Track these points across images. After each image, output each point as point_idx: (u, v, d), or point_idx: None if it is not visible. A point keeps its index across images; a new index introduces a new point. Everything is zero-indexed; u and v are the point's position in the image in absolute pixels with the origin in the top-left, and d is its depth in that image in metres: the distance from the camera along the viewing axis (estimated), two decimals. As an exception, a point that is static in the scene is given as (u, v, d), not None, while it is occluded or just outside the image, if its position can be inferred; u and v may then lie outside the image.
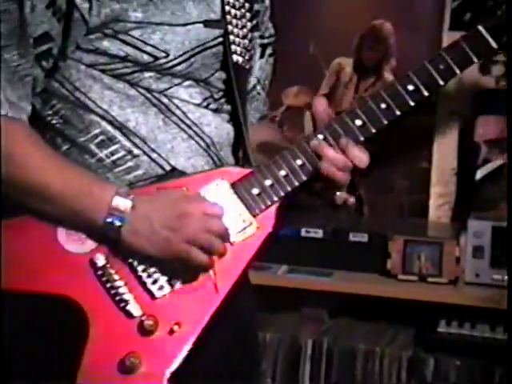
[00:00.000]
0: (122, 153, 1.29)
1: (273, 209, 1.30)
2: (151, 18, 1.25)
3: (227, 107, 1.37)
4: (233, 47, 1.35)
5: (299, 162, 1.30)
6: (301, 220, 2.29)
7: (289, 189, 1.30)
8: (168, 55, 1.27)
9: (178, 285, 1.26)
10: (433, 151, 2.46)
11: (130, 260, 1.25)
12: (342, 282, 2.23)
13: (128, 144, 1.29)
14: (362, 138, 1.31)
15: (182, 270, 1.25)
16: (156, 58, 1.26)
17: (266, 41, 1.49)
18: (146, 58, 1.26)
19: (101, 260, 1.24)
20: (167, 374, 1.23)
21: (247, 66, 1.40)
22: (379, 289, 2.20)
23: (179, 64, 1.28)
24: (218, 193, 1.28)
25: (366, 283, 2.22)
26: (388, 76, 2.51)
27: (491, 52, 1.32)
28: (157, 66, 1.27)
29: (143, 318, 1.24)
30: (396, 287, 2.20)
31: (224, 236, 1.26)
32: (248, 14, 1.39)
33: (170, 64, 1.28)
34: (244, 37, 1.38)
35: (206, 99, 1.34)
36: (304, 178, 1.30)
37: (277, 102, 2.45)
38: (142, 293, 1.24)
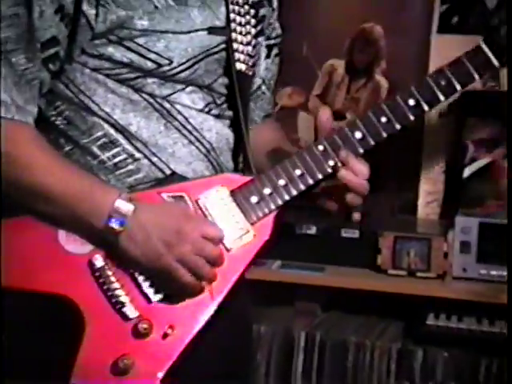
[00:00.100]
0: (124, 156, 1.28)
1: (271, 217, 1.29)
2: (156, 26, 1.25)
3: (229, 113, 1.36)
4: (236, 55, 1.34)
5: (298, 171, 1.29)
6: (294, 217, 2.29)
7: (287, 198, 1.29)
8: (171, 62, 1.26)
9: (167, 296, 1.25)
10: (422, 151, 2.46)
11: (123, 265, 1.24)
12: (333, 277, 2.24)
13: (130, 147, 1.29)
14: (361, 151, 1.30)
15: (168, 284, 1.24)
16: (160, 65, 1.26)
17: (272, 42, 1.47)
18: (149, 64, 1.26)
19: (99, 261, 1.24)
20: (159, 376, 1.22)
21: (250, 73, 1.39)
22: (370, 283, 2.20)
23: (182, 71, 1.28)
24: (218, 199, 1.28)
25: (357, 278, 2.23)
26: (379, 77, 2.52)
27: (492, 70, 1.31)
28: (160, 73, 1.27)
29: (138, 321, 1.23)
30: (386, 282, 2.20)
31: (216, 262, 1.24)
32: (253, 21, 1.38)
33: (174, 71, 1.27)
34: (248, 43, 1.37)
35: (208, 104, 1.33)
36: (302, 187, 1.29)
37: (270, 102, 2.49)
38: (137, 296, 1.24)
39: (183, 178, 1.29)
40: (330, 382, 2.21)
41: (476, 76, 1.30)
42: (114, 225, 1.20)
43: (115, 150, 1.28)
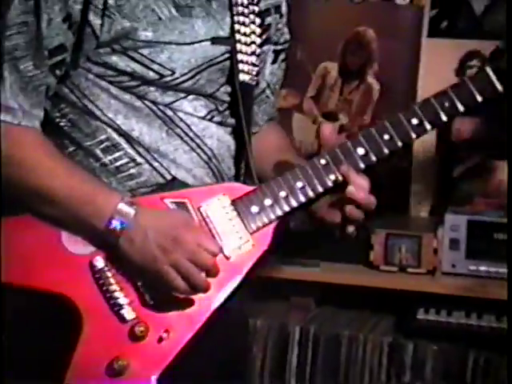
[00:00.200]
0: (126, 160, 1.28)
1: (270, 228, 1.27)
2: (160, 37, 1.24)
3: (231, 120, 1.34)
4: (240, 66, 1.32)
5: (300, 184, 1.27)
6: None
7: (287, 209, 1.27)
8: (174, 73, 1.26)
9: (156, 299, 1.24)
10: (412, 151, 2.46)
11: (121, 266, 1.23)
12: (328, 273, 2.25)
13: (132, 152, 1.28)
14: (362, 166, 1.28)
15: (158, 287, 1.23)
16: (162, 76, 1.25)
17: (279, 47, 1.44)
18: (152, 75, 1.25)
19: (100, 263, 1.23)
20: (153, 379, 1.22)
21: (254, 82, 1.37)
22: (362, 279, 2.22)
23: (185, 81, 1.27)
24: (219, 207, 1.26)
25: (351, 273, 2.24)
26: (371, 80, 2.52)
27: (496, 93, 1.28)
28: (162, 83, 1.26)
29: (135, 324, 1.22)
30: (378, 277, 2.22)
31: (210, 272, 1.23)
32: (258, 30, 1.36)
33: (176, 81, 1.26)
34: (252, 53, 1.34)
35: (210, 112, 1.32)
36: (303, 200, 1.27)
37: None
38: (136, 298, 1.23)
39: (184, 184, 1.29)
40: (324, 374, 2.22)
41: (479, 98, 1.28)
42: (115, 227, 1.20)
43: (117, 154, 1.28)
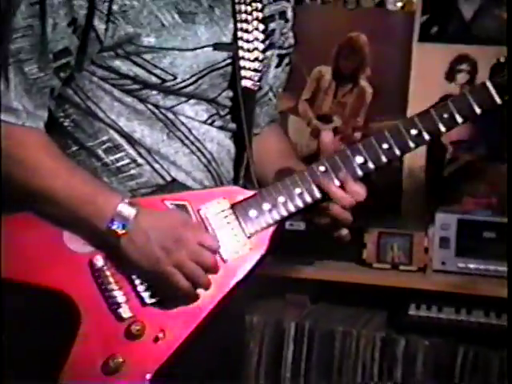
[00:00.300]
0: (127, 160, 1.28)
1: (268, 232, 1.26)
2: (163, 43, 1.23)
3: (232, 125, 1.33)
4: (242, 72, 1.30)
5: (298, 190, 1.26)
6: None
7: (285, 214, 1.26)
8: (176, 78, 1.25)
9: (161, 301, 1.23)
10: None
11: (123, 267, 1.23)
12: (322, 270, 2.26)
13: (133, 153, 1.28)
14: (360, 174, 1.27)
15: (163, 288, 1.22)
16: (164, 81, 1.25)
17: (284, 51, 1.42)
18: (154, 79, 1.25)
19: (100, 262, 1.23)
20: (148, 377, 1.21)
21: (256, 88, 1.35)
22: (356, 276, 2.22)
23: (186, 86, 1.26)
24: (218, 211, 1.25)
25: (344, 271, 2.25)
26: (364, 83, 2.52)
27: (494, 106, 1.27)
28: (164, 87, 1.25)
29: (131, 322, 1.22)
30: (371, 275, 2.23)
31: (211, 269, 1.22)
32: (261, 36, 1.34)
33: (178, 86, 1.25)
34: (255, 59, 1.33)
35: (211, 116, 1.31)
36: (301, 205, 1.26)
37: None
38: (133, 298, 1.22)
39: (183, 186, 1.28)
40: (318, 368, 2.22)
41: (478, 111, 1.27)
42: (116, 227, 1.20)
43: (119, 155, 1.27)
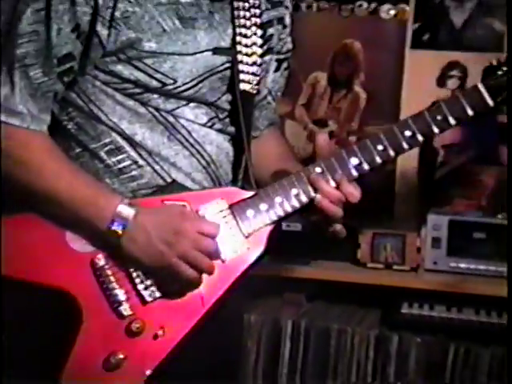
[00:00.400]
0: (128, 162, 1.28)
1: (266, 231, 1.26)
2: (164, 48, 1.23)
3: (231, 128, 1.33)
4: (241, 76, 1.30)
5: (295, 191, 1.26)
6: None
7: (282, 214, 1.26)
8: (176, 82, 1.25)
9: (167, 293, 1.23)
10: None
11: (126, 266, 1.23)
12: (318, 270, 2.26)
13: (134, 155, 1.27)
14: (355, 174, 1.26)
15: (171, 281, 1.22)
16: (164, 84, 1.25)
17: (282, 56, 1.42)
18: (154, 83, 1.25)
19: (101, 261, 1.23)
20: (147, 373, 1.22)
21: (254, 91, 1.34)
22: (350, 276, 2.23)
23: (186, 90, 1.26)
24: (217, 211, 1.25)
25: (339, 271, 2.25)
26: (358, 89, 2.53)
27: (487, 108, 1.27)
28: (165, 91, 1.25)
29: (132, 320, 1.22)
30: (365, 274, 2.24)
31: (213, 255, 1.22)
32: (260, 41, 1.34)
33: (178, 90, 1.26)
34: (253, 63, 1.33)
35: (211, 119, 1.31)
36: (297, 205, 1.26)
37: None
38: (134, 296, 1.22)
39: (183, 187, 1.28)
40: (314, 365, 2.23)
41: (470, 112, 1.26)
42: (117, 228, 1.20)
43: (121, 156, 1.27)
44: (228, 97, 1.31)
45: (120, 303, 1.22)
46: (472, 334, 2.15)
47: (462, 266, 2.22)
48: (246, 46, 1.32)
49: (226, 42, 1.28)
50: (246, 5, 1.32)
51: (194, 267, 1.21)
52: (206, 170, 1.31)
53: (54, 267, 1.23)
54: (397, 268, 2.25)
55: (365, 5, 2.51)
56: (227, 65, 1.29)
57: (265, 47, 1.36)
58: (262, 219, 1.26)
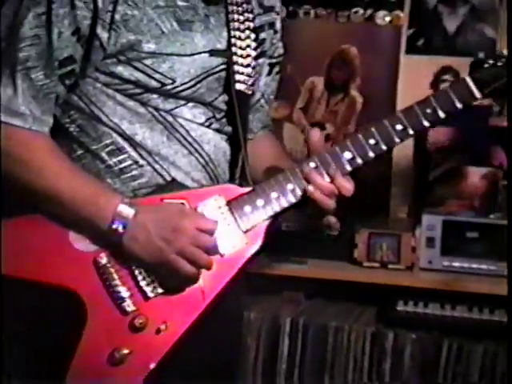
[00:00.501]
0: (129, 162, 1.28)
1: (263, 226, 1.26)
2: (163, 49, 1.24)
3: (228, 128, 1.34)
4: (236, 76, 1.32)
5: (290, 186, 1.26)
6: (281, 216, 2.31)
7: (278, 209, 1.26)
8: (174, 82, 1.26)
9: (167, 289, 1.24)
10: (392, 158, 2.48)
11: (128, 263, 1.23)
12: (316, 269, 2.27)
13: (135, 155, 1.28)
14: (349, 169, 1.26)
15: (170, 277, 1.23)
16: (163, 84, 1.25)
17: (274, 60, 1.44)
18: (154, 83, 1.25)
19: (103, 259, 1.23)
20: (151, 367, 1.22)
21: (249, 92, 1.36)
22: (347, 274, 2.24)
23: (185, 90, 1.27)
24: (215, 207, 1.26)
25: (337, 270, 2.26)
26: (354, 93, 2.54)
27: (475, 100, 1.28)
28: (164, 91, 1.26)
29: (135, 316, 1.22)
30: (361, 273, 2.25)
31: (211, 251, 1.23)
32: (253, 44, 1.36)
33: (176, 89, 1.26)
34: (248, 65, 1.34)
35: (208, 119, 1.32)
36: (293, 200, 1.26)
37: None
38: (136, 293, 1.23)
39: (182, 185, 1.28)
40: (312, 361, 2.24)
41: (459, 105, 1.27)
42: (117, 227, 1.20)
43: (122, 157, 1.28)
44: (224, 97, 1.32)
45: (123, 300, 1.23)
46: (465, 331, 2.17)
47: (456, 264, 2.23)
48: (241, 48, 1.33)
49: (221, 45, 1.30)
50: (240, 9, 1.33)
51: (192, 263, 1.22)
52: (204, 169, 1.32)
53: (59, 267, 1.23)
54: (392, 267, 2.25)
55: (361, 11, 2.52)
56: (223, 66, 1.30)
57: (258, 50, 1.37)
58: (259, 214, 1.26)
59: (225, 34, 1.31)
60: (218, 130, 1.33)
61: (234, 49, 1.31)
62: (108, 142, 1.28)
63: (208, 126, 1.32)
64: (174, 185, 1.28)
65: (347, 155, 1.27)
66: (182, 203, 1.25)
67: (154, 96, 1.27)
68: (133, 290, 1.23)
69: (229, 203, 1.27)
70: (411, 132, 1.28)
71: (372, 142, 1.27)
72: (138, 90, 1.27)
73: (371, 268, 2.26)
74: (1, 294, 1.21)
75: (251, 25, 1.35)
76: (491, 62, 1.28)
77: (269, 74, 1.44)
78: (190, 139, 1.30)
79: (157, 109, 1.28)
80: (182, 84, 1.27)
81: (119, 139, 1.28)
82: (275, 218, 1.27)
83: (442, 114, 1.27)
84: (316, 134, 1.30)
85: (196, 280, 1.23)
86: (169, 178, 1.29)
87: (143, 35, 1.23)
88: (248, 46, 1.34)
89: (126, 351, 1.22)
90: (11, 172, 1.21)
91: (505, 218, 2.21)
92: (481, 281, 2.18)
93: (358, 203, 2.62)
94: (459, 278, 2.19)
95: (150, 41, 1.24)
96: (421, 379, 2.16)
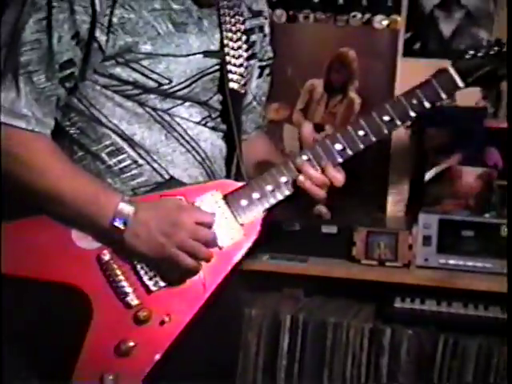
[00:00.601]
0: (129, 162, 1.30)
1: (259, 219, 1.29)
2: (159, 50, 1.26)
3: (223, 126, 1.36)
4: (229, 75, 1.34)
5: (284, 179, 1.29)
6: (281, 215, 2.27)
7: (273, 202, 1.29)
8: (171, 82, 1.27)
9: (169, 282, 1.26)
10: (390, 158, 2.50)
11: (130, 259, 1.25)
12: (315, 267, 2.27)
13: (134, 154, 1.29)
14: (340, 160, 1.29)
15: (171, 270, 1.25)
16: (160, 84, 1.27)
17: (264, 63, 1.47)
18: (151, 83, 1.27)
19: (107, 256, 1.25)
20: (156, 358, 1.24)
21: (242, 91, 1.38)
22: (346, 272, 2.24)
23: (181, 89, 1.29)
24: (212, 202, 1.28)
25: (335, 267, 2.26)
26: (353, 95, 2.55)
27: (458, 89, 1.31)
28: (161, 91, 1.28)
29: (139, 309, 1.24)
30: (360, 270, 2.24)
31: (210, 243, 1.25)
32: (245, 46, 1.38)
33: (173, 89, 1.28)
34: (240, 65, 1.36)
35: (204, 118, 1.33)
36: (287, 192, 1.29)
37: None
38: (139, 287, 1.25)
39: (180, 182, 1.30)
40: (312, 357, 2.24)
41: (443, 95, 1.30)
42: (119, 224, 1.22)
43: (121, 157, 1.29)
44: (219, 97, 1.35)
45: (127, 294, 1.25)
46: (460, 327, 2.17)
47: (452, 262, 2.23)
48: (233, 48, 1.36)
49: (215, 46, 1.32)
50: (231, 12, 1.36)
51: (192, 256, 1.24)
52: (201, 166, 1.34)
53: (63, 265, 1.25)
54: (390, 264, 2.25)
55: (359, 15, 2.53)
56: (217, 67, 1.32)
57: (249, 52, 1.41)
58: (255, 207, 1.28)
59: (217, 35, 1.33)
60: (213, 128, 1.35)
61: (226, 49, 1.34)
62: (108, 142, 1.29)
63: (204, 125, 1.34)
64: (172, 182, 1.30)
65: (338, 147, 1.29)
66: (180, 199, 1.26)
67: (152, 96, 1.29)
68: (136, 285, 1.25)
69: (225, 197, 1.29)
70: (398, 123, 1.30)
71: (361, 133, 1.29)
72: (136, 91, 1.28)
73: (369, 265, 2.26)
74: (1, 293, 1.23)
75: (242, 27, 1.38)
76: (472, 52, 1.30)
77: (260, 76, 1.47)
78: (187, 137, 1.32)
79: (154, 109, 1.29)
80: (179, 84, 1.29)
81: (118, 140, 1.30)
82: (271, 209, 1.29)
83: (427, 105, 1.29)
84: (308, 128, 1.33)
85: (197, 272, 1.25)
86: (167, 176, 1.31)
87: (140, 37, 1.25)
88: (240, 47, 1.37)
89: (131, 343, 1.24)
90: (12, 172, 1.22)
91: (499, 217, 2.22)
92: (476, 278, 2.18)
93: (356, 202, 2.64)
94: (455, 276, 2.20)
95: (147, 42, 1.25)
96: (417, 374, 2.16)
